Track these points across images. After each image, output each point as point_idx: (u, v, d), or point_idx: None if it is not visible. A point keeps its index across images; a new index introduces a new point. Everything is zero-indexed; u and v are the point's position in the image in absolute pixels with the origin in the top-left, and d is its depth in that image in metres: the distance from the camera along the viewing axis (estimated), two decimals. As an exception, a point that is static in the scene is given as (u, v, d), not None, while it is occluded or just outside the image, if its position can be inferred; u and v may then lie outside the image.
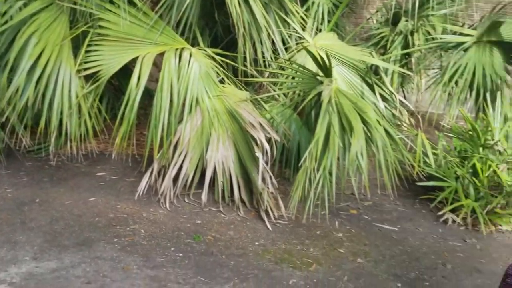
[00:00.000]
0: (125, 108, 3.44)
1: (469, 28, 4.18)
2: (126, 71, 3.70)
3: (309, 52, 3.37)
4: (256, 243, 3.15)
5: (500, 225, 3.47)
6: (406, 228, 3.46)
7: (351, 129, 3.03)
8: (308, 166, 3.00)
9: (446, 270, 2.99)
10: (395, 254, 3.12)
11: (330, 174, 3.03)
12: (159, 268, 2.80)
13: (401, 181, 3.54)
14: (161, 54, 3.59)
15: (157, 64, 3.67)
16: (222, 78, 3.71)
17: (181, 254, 2.95)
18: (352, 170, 3.02)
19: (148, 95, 3.93)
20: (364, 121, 3.11)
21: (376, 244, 3.23)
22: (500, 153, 3.57)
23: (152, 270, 2.77)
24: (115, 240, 3.05)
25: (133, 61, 3.57)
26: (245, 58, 3.63)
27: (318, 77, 3.40)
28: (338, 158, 3.05)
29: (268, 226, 3.33)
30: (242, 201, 3.52)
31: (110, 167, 4.06)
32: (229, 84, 3.73)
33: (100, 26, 3.60)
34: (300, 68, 3.58)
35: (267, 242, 3.17)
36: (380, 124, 3.15)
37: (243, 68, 3.69)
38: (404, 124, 3.73)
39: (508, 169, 3.52)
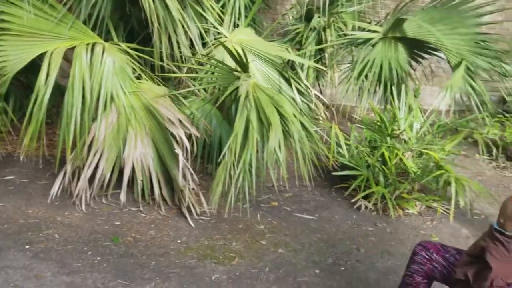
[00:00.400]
0: (33, 106, 3.25)
1: (376, 24, 4.41)
2: (35, 68, 3.46)
3: (225, 47, 3.38)
4: (178, 241, 3.13)
5: (407, 209, 3.74)
6: (323, 216, 3.62)
7: (269, 123, 3.09)
8: (228, 161, 3.02)
9: (360, 254, 3.17)
10: (313, 242, 3.26)
11: (250, 167, 3.08)
12: (76, 273, 2.69)
13: (318, 172, 3.70)
14: (73, 49, 3.42)
15: (70, 60, 3.49)
16: (139, 74, 3.62)
17: (99, 258, 2.86)
18: (271, 163, 3.09)
19: (61, 92, 3.73)
20: (281, 115, 3.19)
21: (295, 234, 3.35)
22: (405, 142, 3.84)
23: (68, 276, 2.66)
24: (27, 247, 2.88)
25: (43, 56, 3.37)
26: (161, 53, 3.57)
27: (235, 73, 3.43)
28: (257, 152, 3.11)
29: (191, 223, 3.32)
30: (163, 199, 3.48)
31: (20, 170, 3.81)
32: (146, 79, 3.64)
33: (2, 20, 3.35)
34: (218, 64, 3.58)
35: (190, 239, 3.16)
36: (296, 117, 3.24)
37: (160, 63, 3.63)
38: (320, 117, 3.88)
39: (413, 156, 3.81)
